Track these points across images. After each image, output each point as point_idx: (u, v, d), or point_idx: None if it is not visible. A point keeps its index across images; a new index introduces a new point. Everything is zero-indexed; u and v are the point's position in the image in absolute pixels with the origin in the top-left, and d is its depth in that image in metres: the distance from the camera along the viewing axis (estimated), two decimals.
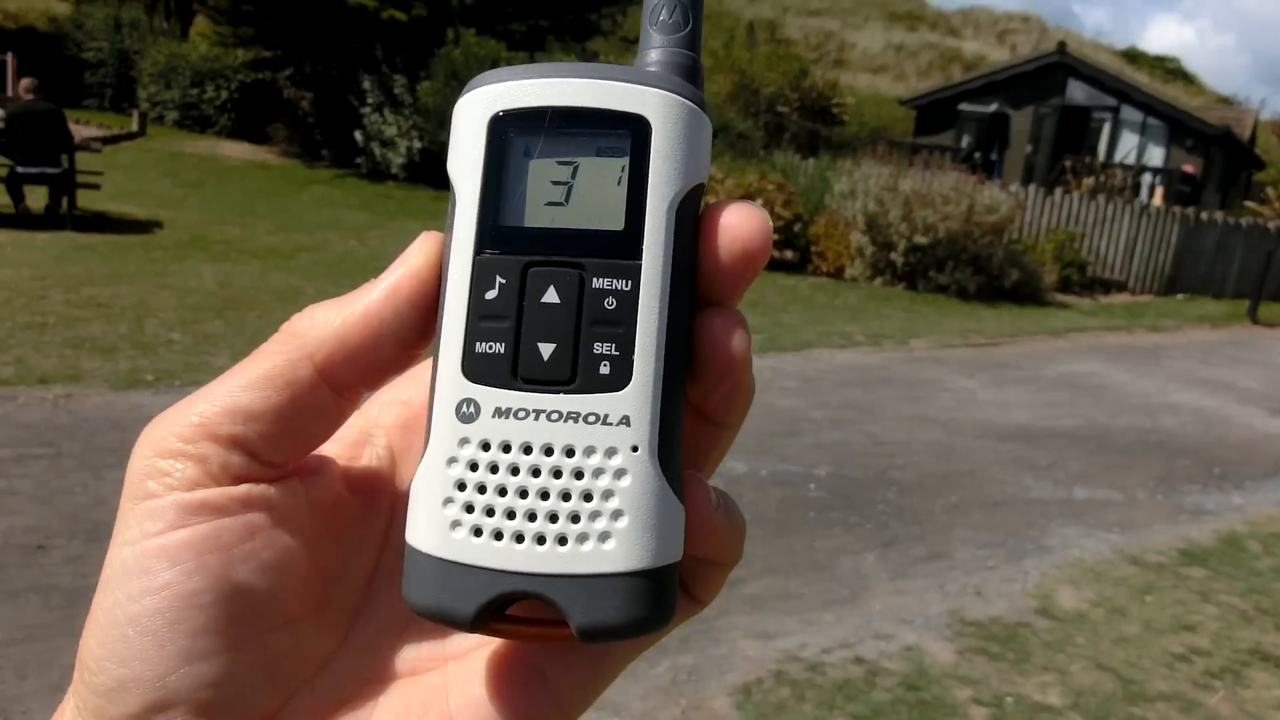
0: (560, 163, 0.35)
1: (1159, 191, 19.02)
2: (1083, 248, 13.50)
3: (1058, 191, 14.60)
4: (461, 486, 0.33)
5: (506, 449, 0.33)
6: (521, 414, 0.33)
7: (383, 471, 0.39)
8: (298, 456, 0.35)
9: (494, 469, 0.33)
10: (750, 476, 4.60)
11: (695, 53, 0.37)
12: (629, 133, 0.35)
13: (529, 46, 16.78)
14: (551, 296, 0.34)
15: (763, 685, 2.89)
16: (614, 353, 0.34)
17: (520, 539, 0.33)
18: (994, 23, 44.67)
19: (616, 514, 0.33)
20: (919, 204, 11.20)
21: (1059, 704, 2.95)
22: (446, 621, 0.33)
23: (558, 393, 0.34)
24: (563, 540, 0.33)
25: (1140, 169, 19.98)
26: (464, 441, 0.33)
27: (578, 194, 0.35)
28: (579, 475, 0.33)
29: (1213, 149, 20.68)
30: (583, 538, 0.33)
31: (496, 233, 0.34)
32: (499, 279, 0.34)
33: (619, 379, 0.34)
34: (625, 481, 0.33)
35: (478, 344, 0.34)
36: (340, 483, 0.37)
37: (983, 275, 11.25)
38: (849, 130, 23.02)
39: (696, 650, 3.04)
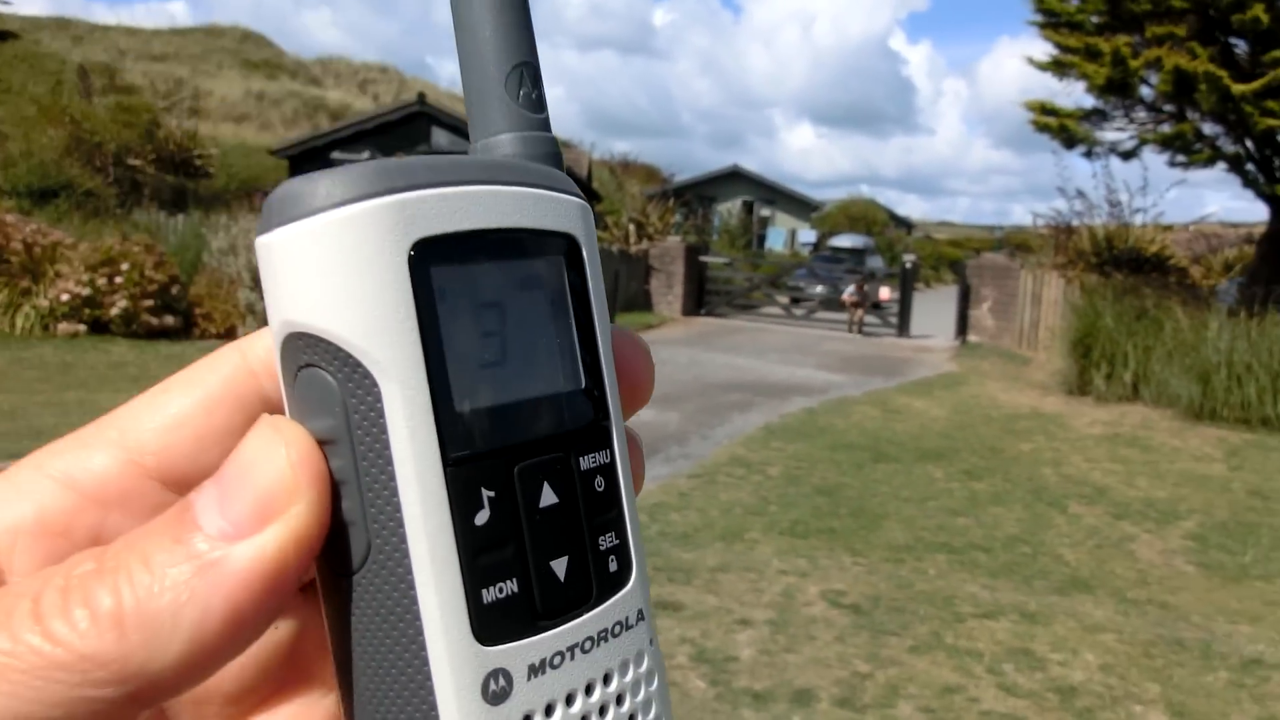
0: (484, 305, 0.25)
1: None
2: None
3: None
4: None
5: (550, 713, 0.25)
6: (557, 661, 0.25)
7: None
8: None
9: None
10: None
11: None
12: (556, 257, 0.27)
13: None
14: (549, 497, 0.26)
15: None
16: (615, 542, 0.27)
17: None
18: (354, 73, 45.84)
19: None
20: None
21: None
22: None
23: (582, 614, 0.26)
24: None
25: None
26: None
27: (513, 346, 0.26)
28: (620, 701, 0.27)
29: None
30: None
31: (460, 425, 0.24)
32: (485, 492, 0.24)
33: (624, 571, 0.27)
34: (655, 684, 0.28)
35: (484, 591, 0.24)
36: None
37: None
38: (218, 183, 21.53)
39: None
